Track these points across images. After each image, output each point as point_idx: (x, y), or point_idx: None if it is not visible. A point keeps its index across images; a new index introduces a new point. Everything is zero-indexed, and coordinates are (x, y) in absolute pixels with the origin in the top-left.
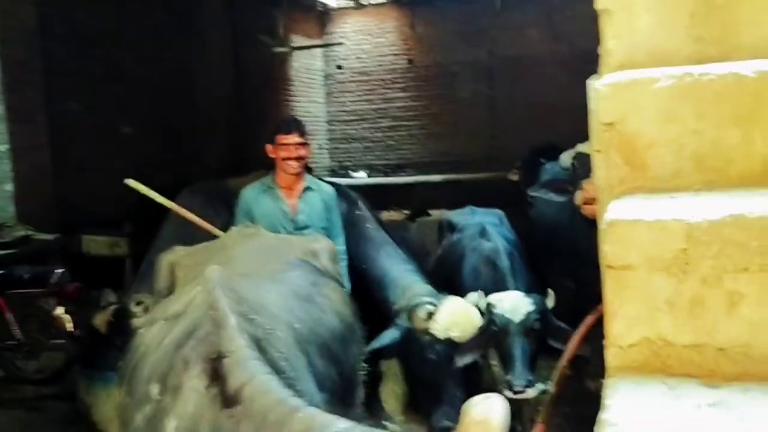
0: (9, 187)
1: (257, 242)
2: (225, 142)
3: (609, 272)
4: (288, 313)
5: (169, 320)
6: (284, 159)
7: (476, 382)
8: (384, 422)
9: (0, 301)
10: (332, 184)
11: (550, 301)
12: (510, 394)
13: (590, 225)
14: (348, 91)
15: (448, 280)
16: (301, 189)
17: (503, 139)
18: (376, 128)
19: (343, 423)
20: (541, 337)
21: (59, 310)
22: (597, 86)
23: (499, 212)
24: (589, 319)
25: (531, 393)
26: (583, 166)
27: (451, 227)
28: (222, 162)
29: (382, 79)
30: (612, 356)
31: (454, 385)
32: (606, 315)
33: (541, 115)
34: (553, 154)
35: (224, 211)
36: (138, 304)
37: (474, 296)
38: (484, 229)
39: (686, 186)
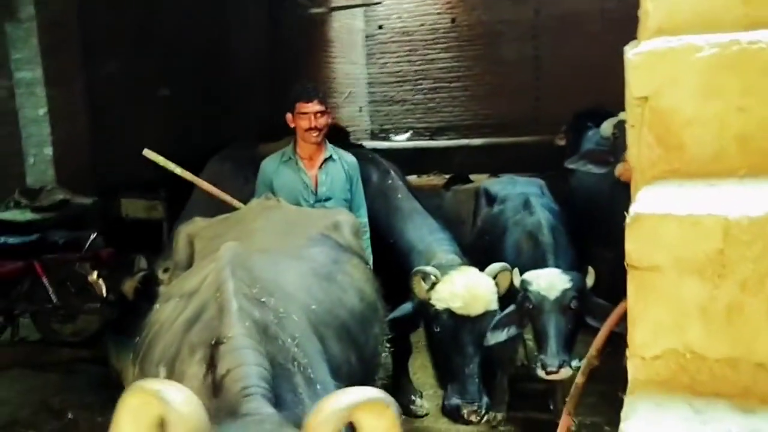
0: (48, 150)
1: (278, 215)
2: (262, 106)
3: (633, 273)
4: (305, 294)
5: (183, 298)
6: (305, 129)
7: (498, 359)
8: (412, 396)
9: (37, 266)
10: (364, 151)
11: (590, 279)
12: (542, 374)
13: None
14: (389, 52)
15: (488, 254)
16: (322, 159)
17: (548, 101)
18: (418, 90)
19: (266, 410)
20: (579, 315)
21: (94, 275)
22: (630, 55)
23: (540, 181)
24: (620, 308)
25: (564, 373)
26: (625, 136)
27: (489, 198)
28: (259, 125)
29: (424, 39)
30: (633, 368)
31: (464, 361)
32: (628, 321)
33: (588, 76)
34: (600, 119)
35: (255, 178)
36: (165, 271)
37: (495, 267)
38: (527, 200)
39: (728, 171)
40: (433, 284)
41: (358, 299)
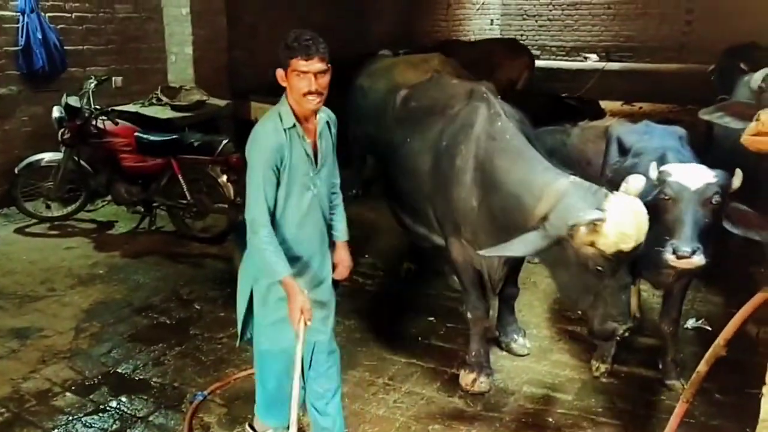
0: (188, 50)
1: None
2: (396, 14)
3: None
4: None
5: None
6: (303, 93)
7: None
8: (515, 335)
9: (174, 164)
10: (478, 88)
11: (737, 180)
12: (672, 259)
13: None
14: None
15: None
16: (320, 123)
17: (700, 26)
18: (555, 5)
19: None
20: (719, 214)
21: (223, 178)
22: None
23: (680, 131)
24: (756, 299)
25: (697, 261)
26: None
27: (623, 148)
28: (388, 35)
29: None
30: None
31: (620, 290)
32: None
33: (750, 2)
34: (754, 57)
35: None
36: None
37: (636, 181)
38: (664, 155)
39: None
40: (594, 226)
41: None
